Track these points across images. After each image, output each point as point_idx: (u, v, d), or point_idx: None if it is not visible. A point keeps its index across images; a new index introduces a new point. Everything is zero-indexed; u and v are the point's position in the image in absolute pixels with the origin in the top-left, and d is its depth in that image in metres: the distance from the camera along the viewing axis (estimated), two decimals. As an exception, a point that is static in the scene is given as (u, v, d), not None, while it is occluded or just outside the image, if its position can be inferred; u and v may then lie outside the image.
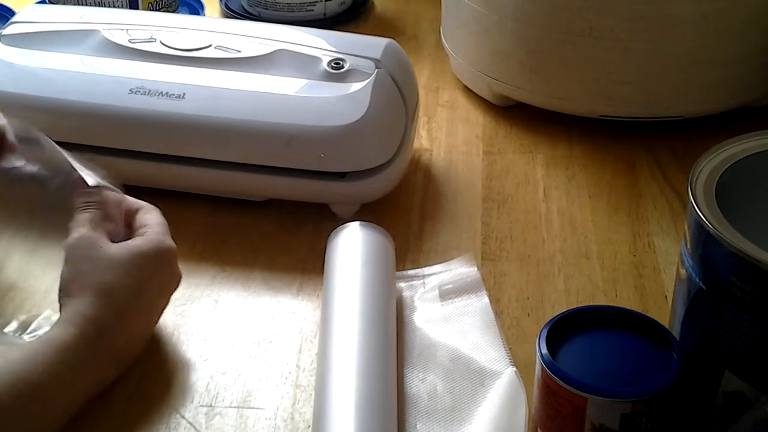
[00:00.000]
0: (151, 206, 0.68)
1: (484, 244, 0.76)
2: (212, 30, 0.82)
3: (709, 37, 0.83)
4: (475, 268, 0.71)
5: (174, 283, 0.66)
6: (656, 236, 0.76)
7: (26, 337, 0.66)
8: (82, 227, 0.64)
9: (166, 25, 0.83)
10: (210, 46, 0.80)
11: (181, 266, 0.67)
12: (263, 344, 0.67)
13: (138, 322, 0.63)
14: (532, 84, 0.89)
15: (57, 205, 0.66)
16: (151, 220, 0.66)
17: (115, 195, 0.67)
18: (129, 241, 0.64)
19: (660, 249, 0.75)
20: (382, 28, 1.10)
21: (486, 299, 0.69)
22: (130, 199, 0.68)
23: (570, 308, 0.58)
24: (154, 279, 0.64)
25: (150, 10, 1.03)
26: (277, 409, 0.62)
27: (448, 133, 0.90)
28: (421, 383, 0.63)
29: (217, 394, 0.63)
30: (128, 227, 0.67)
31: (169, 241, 0.66)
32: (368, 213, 0.77)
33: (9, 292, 0.70)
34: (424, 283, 0.71)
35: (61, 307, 0.61)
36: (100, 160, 0.78)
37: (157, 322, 0.66)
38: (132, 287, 0.62)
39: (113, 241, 0.64)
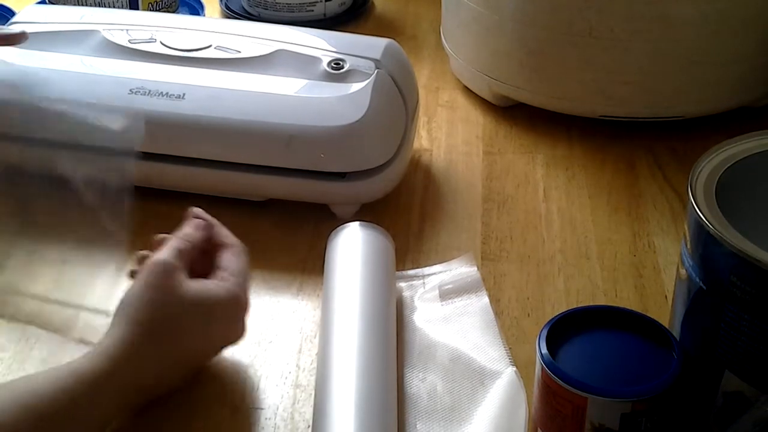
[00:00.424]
0: (240, 247, 0.65)
1: (484, 244, 0.76)
2: (212, 30, 0.82)
3: (709, 37, 0.83)
4: (475, 268, 0.71)
5: (234, 338, 0.63)
6: (656, 236, 0.76)
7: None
8: (167, 251, 0.61)
9: (166, 25, 0.83)
10: (210, 46, 0.80)
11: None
12: (263, 344, 0.67)
13: (181, 366, 0.61)
14: (532, 84, 0.89)
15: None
16: (234, 264, 0.63)
17: (207, 224, 0.65)
18: (206, 282, 0.61)
19: (660, 249, 0.75)
20: (382, 28, 1.10)
21: (486, 299, 0.69)
22: (221, 231, 0.66)
23: (570, 308, 0.58)
24: (216, 329, 0.62)
25: (150, 10, 1.03)
26: (277, 409, 0.62)
27: (448, 133, 0.90)
28: (421, 383, 0.63)
29: (218, 393, 0.63)
30: (208, 258, 0.64)
31: (246, 296, 0.63)
32: (368, 213, 0.77)
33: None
34: (424, 283, 0.71)
35: (111, 323, 0.59)
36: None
37: (200, 369, 0.64)
38: (191, 330, 0.60)
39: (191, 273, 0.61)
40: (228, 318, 0.62)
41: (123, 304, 0.59)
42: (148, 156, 0.77)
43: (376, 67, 0.77)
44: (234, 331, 0.63)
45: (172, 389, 0.61)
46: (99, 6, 1.02)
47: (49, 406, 0.54)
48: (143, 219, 0.78)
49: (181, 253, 0.61)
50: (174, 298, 0.59)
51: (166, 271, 0.60)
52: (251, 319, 0.69)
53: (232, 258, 0.64)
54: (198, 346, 0.62)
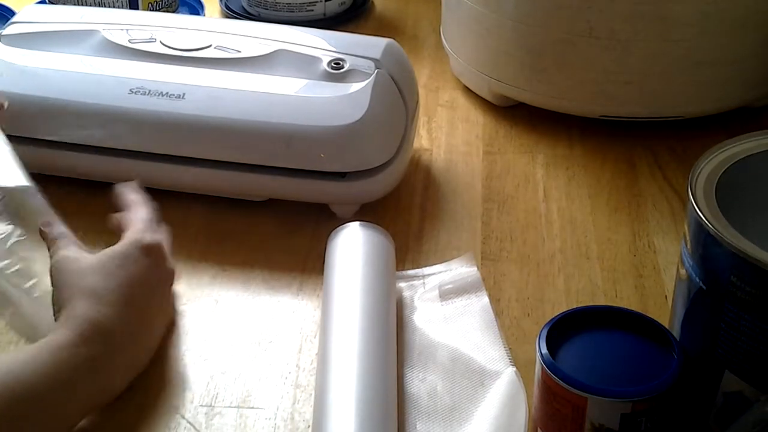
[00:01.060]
0: (139, 202, 0.68)
1: (484, 244, 0.76)
2: (212, 30, 0.82)
3: (709, 37, 0.83)
4: (475, 268, 0.71)
5: (165, 276, 0.66)
6: (656, 236, 0.76)
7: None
8: (58, 252, 0.63)
9: (166, 25, 0.83)
10: (210, 46, 0.80)
11: (181, 266, 0.67)
12: (263, 344, 0.67)
13: (138, 322, 0.63)
14: (532, 84, 0.89)
15: None
16: (132, 218, 0.66)
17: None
18: (106, 249, 0.64)
19: (660, 249, 0.75)
20: (382, 28, 1.10)
21: (486, 299, 0.69)
22: (122, 200, 0.68)
23: (570, 308, 0.58)
24: (137, 275, 0.63)
25: (150, 10, 1.03)
26: (277, 409, 0.62)
27: (448, 133, 0.90)
28: (421, 383, 0.63)
29: (217, 394, 0.63)
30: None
31: (149, 237, 0.65)
32: (368, 213, 0.77)
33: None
34: (424, 283, 0.71)
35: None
36: (100, 160, 0.78)
37: (164, 323, 0.66)
38: (116, 286, 0.61)
39: None
40: (144, 260, 0.63)
41: (54, 303, 0.61)
42: (148, 156, 0.77)
43: (376, 67, 0.77)
44: (162, 270, 0.65)
45: (148, 357, 0.63)
46: (99, 6, 1.02)
47: (28, 387, 0.54)
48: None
49: (65, 247, 0.64)
50: (83, 271, 0.62)
51: (65, 260, 0.63)
52: (251, 319, 0.69)
53: (129, 216, 0.67)
54: (143, 298, 0.63)
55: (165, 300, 0.67)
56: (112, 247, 0.64)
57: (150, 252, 0.64)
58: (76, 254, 0.63)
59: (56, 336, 0.58)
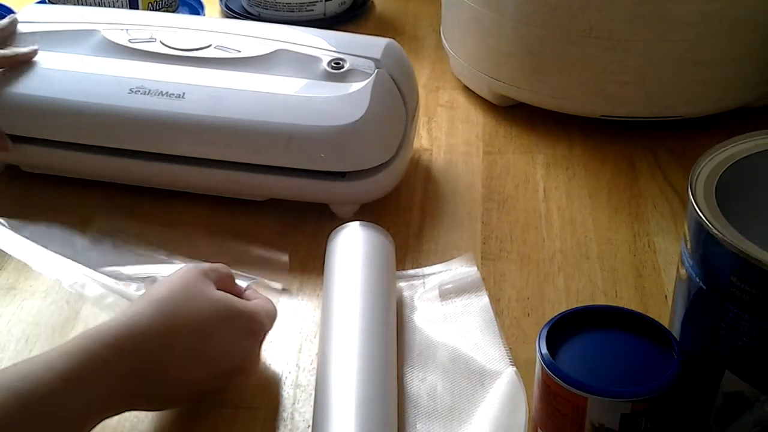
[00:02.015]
0: (266, 298, 0.65)
1: (484, 244, 0.76)
2: (212, 30, 0.82)
3: (709, 37, 0.83)
4: (475, 268, 0.71)
5: (245, 360, 0.61)
6: (656, 236, 0.76)
7: None
8: (206, 265, 0.62)
9: (166, 25, 0.83)
10: (210, 45, 0.80)
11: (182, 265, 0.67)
12: (263, 344, 0.66)
13: (185, 365, 0.57)
14: (532, 84, 0.89)
15: None
16: (259, 296, 0.65)
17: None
18: (231, 296, 0.61)
19: (660, 249, 0.75)
20: (382, 28, 1.10)
21: (486, 299, 0.69)
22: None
23: (570, 308, 0.58)
24: (227, 334, 0.59)
25: (150, 10, 1.03)
26: (277, 409, 0.62)
27: (448, 133, 0.90)
28: (421, 383, 0.63)
29: (217, 394, 0.63)
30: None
31: (267, 323, 0.62)
32: (368, 213, 0.77)
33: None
34: (424, 283, 0.71)
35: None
36: (100, 159, 0.78)
37: (207, 387, 0.61)
38: (204, 324, 0.58)
39: None
40: (245, 329, 0.61)
41: (147, 290, 0.59)
42: (148, 156, 0.77)
43: (376, 67, 0.77)
44: (246, 352, 0.61)
45: (171, 401, 0.59)
46: (99, 6, 1.02)
47: (36, 388, 0.51)
48: (143, 219, 0.78)
49: (218, 272, 0.62)
50: (197, 293, 0.59)
51: (198, 273, 0.60)
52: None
53: (258, 295, 0.65)
54: (210, 352, 0.58)
55: (240, 348, 0.61)
56: (237, 302, 0.61)
57: (255, 330, 0.61)
58: (206, 280, 0.61)
59: (84, 342, 0.54)
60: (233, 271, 0.65)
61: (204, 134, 0.76)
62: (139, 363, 0.55)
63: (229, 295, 0.61)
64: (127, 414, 0.60)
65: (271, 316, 0.63)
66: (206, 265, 0.63)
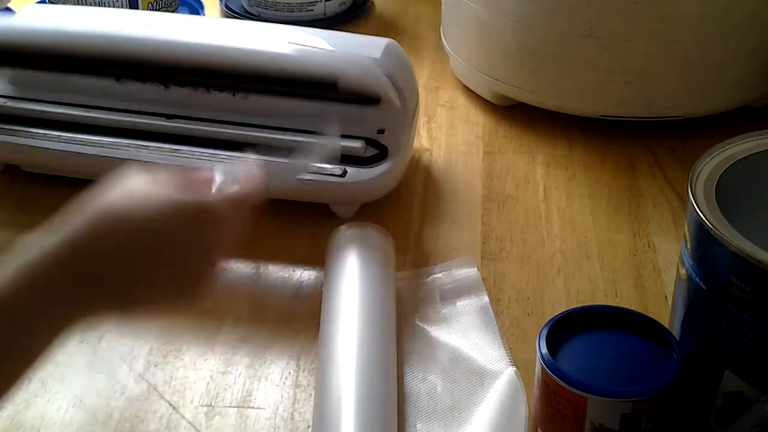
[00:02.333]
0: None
1: (484, 244, 0.76)
2: (212, 30, 0.82)
3: (709, 37, 0.83)
4: (475, 269, 0.71)
5: (216, 244, 0.57)
6: (656, 236, 0.76)
7: None
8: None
9: (166, 24, 0.83)
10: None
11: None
12: (263, 344, 0.67)
13: (148, 255, 0.52)
14: (532, 84, 0.89)
15: None
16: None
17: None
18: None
19: (660, 249, 0.75)
20: (382, 28, 1.10)
21: (486, 299, 0.69)
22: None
23: (570, 308, 0.58)
24: (177, 232, 0.53)
25: (150, 10, 1.03)
26: (277, 409, 0.62)
27: (448, 133, 0.90)
28: (421, 383, 0.63)
29: (217, 394, 0.63)
30: None
31: (232, 214, 0.58)
32: (368, 213, 0.77)
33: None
34: (424, 283, 0.71)
35: None
36: (101, 159, 0.78)
37: (164, 285, 0.54)
38: (145, 224, 0.52)
39: None
40: (192, 226, 0.54)
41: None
42: (148, 156, 0.77)
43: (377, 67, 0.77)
44: (202, 242, 0.55)
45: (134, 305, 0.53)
46: (99, 6, 1.02)
47: None
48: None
49: (170, 174, 0.55)
50: (137, 192, 0.53)
51: (141, 175, 0.54)
52: (251, 319, 0.69)
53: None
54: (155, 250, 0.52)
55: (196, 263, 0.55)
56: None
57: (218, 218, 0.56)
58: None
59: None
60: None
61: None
62: (84, 265, 0.50)
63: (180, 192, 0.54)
64: (127, 414, 0.61)
65: (239, 202, 0.58)
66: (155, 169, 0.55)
